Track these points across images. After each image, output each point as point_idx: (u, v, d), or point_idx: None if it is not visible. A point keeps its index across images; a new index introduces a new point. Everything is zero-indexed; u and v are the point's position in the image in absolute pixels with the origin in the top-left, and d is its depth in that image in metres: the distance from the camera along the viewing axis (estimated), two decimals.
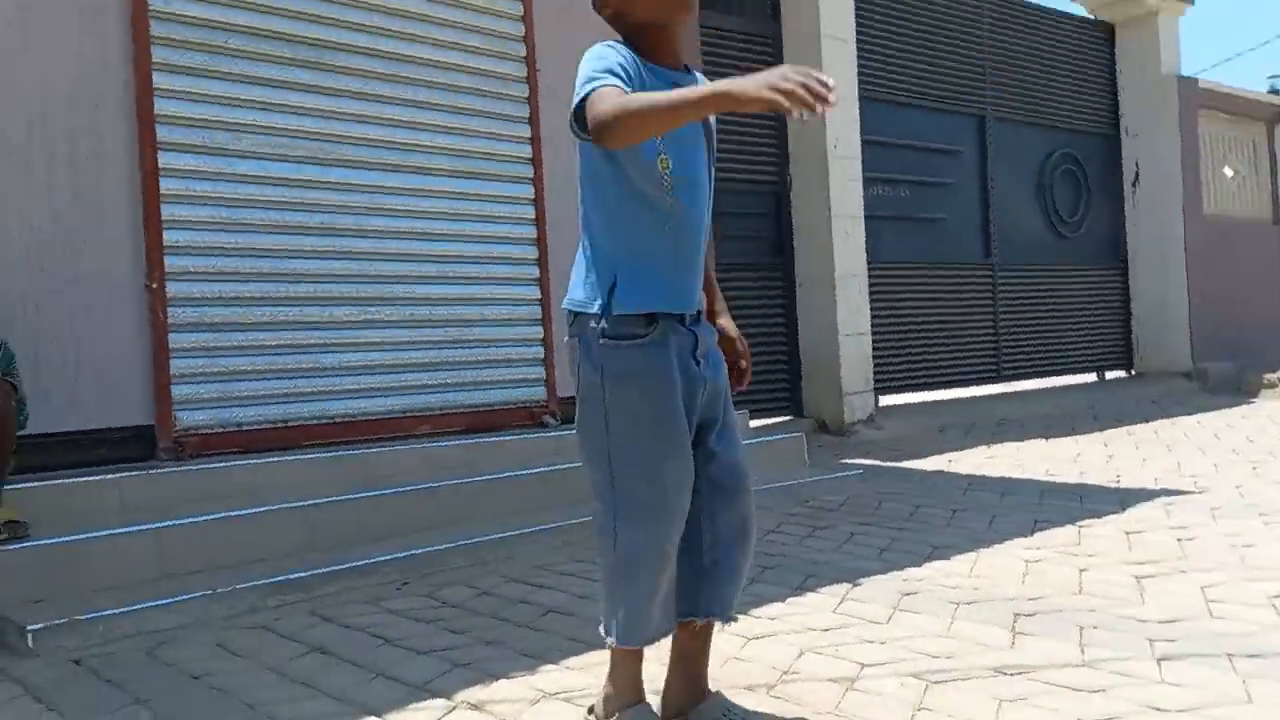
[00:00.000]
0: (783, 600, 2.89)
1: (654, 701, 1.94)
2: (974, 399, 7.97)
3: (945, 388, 7.96)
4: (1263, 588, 2.81)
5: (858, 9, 7.05)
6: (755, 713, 1.99)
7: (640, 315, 1.82)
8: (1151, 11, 9.31)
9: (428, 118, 4.59)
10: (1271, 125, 10.92)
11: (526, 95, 4.95)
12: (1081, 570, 3.09)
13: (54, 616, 2.71)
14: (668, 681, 1.97)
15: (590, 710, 1.97)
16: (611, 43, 1.83)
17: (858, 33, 7.03)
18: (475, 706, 2.19)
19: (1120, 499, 4.22)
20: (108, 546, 3.06)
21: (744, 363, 2.05)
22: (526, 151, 4.95)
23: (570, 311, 1.89)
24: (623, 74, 1.74)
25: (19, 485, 3.14)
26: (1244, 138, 10.68)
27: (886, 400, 7.36)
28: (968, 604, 2.78)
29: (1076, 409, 7.82)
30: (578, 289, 1.89)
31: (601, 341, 1.83)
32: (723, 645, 2.39)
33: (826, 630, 2.60)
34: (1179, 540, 3.44)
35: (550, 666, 2.42)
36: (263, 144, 4.08)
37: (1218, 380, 8.99)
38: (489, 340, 4.79)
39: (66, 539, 3.01)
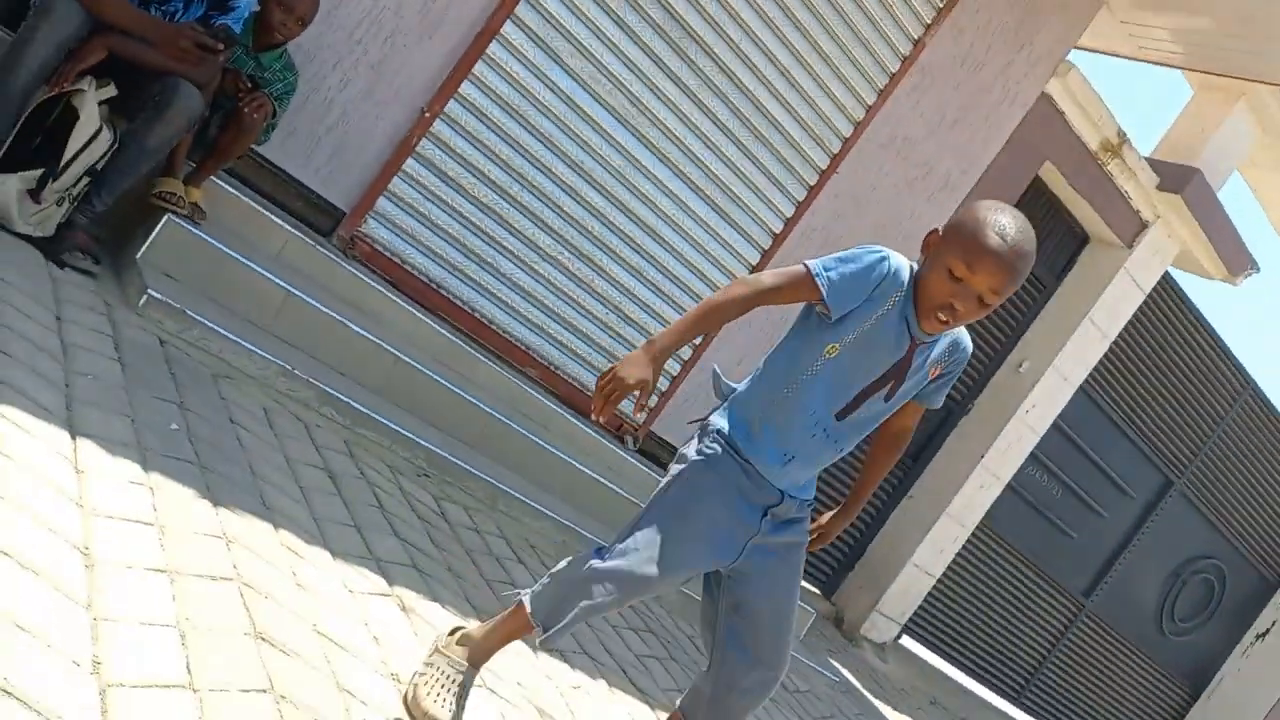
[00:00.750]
0: None
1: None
2: (983, 702, 7.72)
3: (969, 673, 7.74)
4: None
5: (1135, 318, 6.96)
6: None
7: (738, 441, 2.03)
8: None
9: (725, 147, 4.80)
10: None
11: (811, 184, 5.10)
12: None
13: (172, 297, 3.00)
14: None
15: (454, 631, 2.12)
16: (896, 257, 1.96)
17: (1121, 333, 6.93)
18: (402, 608, 2.35)
19: None
20: (248, 276, 3.34)
21: (817, 547, 2.22)
22: (778, 225, 5.10)
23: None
24: (845, 277, 1.93)
25: (219, 181, 3.48)
26: None
27: (908, 641, 7.22)
28: None
29: None
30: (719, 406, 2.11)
31: (712, 434, 2.03)
32: (613, 716, 2.48)
33: None
34: None
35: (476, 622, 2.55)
36: (589, 75, 4.36)
37: None
38: (634, 341, 4.97)
39: (224, 248, 3.31)
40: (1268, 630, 9.06)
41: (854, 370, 1.97)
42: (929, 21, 5.06)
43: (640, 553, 1.97)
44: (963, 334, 2.09)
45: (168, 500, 2.05)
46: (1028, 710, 8.16)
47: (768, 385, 2.02)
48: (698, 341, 5.07)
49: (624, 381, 1.86)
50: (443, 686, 1.98)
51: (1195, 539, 8.48)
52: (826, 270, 1.92)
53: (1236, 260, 6.87)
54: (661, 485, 2.05)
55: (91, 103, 2.86)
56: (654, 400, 1.86)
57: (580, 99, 4.39)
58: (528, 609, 2.03)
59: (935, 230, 1.97)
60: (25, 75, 2.74)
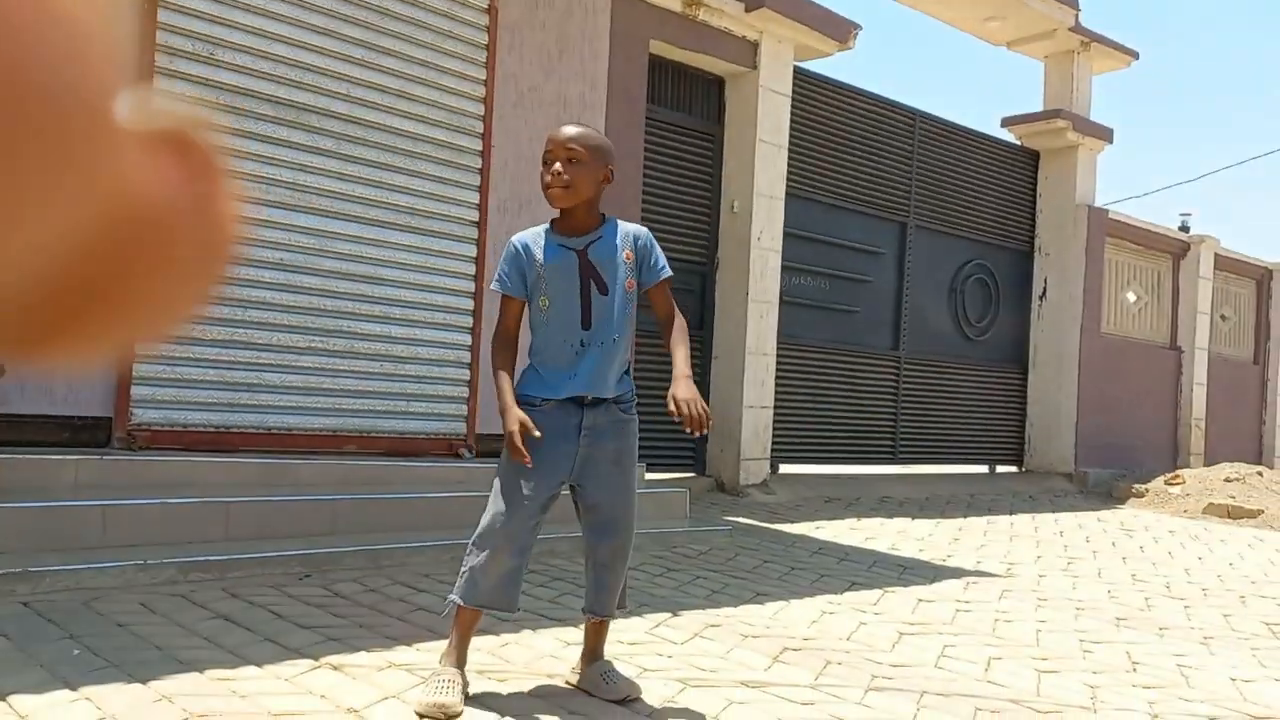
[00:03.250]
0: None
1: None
2: (868, 477, 8.70)
3: (843, 463, 8.69)
4: (990, 651, 3.52)
5: (793, 118, 7.88)
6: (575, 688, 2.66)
7: (534, 397, 2.68)
8: (1072, 145, 10.25)
9: (388, 178, 5.27)
10: (1177, 259, 11.89)
11: (479, 167, 5.65)
12: (860, 624, 3.78)
13: (11, 565, 3.31)
14: (581, 654, 2.83)
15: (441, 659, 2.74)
16: (519, 235, 2.77)
17: (791, 139, 7.84)
18: (335, 668, 2.83)
19: (934, 574, 4.93)
20: (63, 514, 3.67)
21: (687, 410, 2.61)
22: (474, 215, 5.64)
23: None
24: (508, 274, 2.72)
25: None
26: (1150, 267, 11.63)
27: (787, 468, 8.07)
28: (754, 638, 3.45)
29: (957, 496, 8.58)
30: None
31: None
32: (545, 647, 3.05)
33: (633, 644, 3.26)
34: (956, 611, 4.14)
35: (404, 648, 3.06)
36: (239, 188, 4.73)
37: (1094, 484, 9.80)
38: (420, 376, 5.44)
39: (29, 504, 3.61)
40: (1044, 290, 10.43)
41: (564, 292, 2.67)
42: None
43: (492, 506, 2.67)
44: (635, 226, 2.82)
45: (109, 702, 2.46)
46: (907, 462, 9.22)
47: (534, 343, 2.74)
48: (469, 344, 5.59)
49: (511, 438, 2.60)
50: (441, 685, 2.57)
51: (950, 254, 9.68)
52: (500, 283, 2.73)
53: (839, 29, 7.85)
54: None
55: None
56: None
57: (246, 211, 4.76)
58: (453, 597, 2.66)
59: None
60: None
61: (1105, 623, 4.16)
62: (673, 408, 2.67)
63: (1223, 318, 12.68)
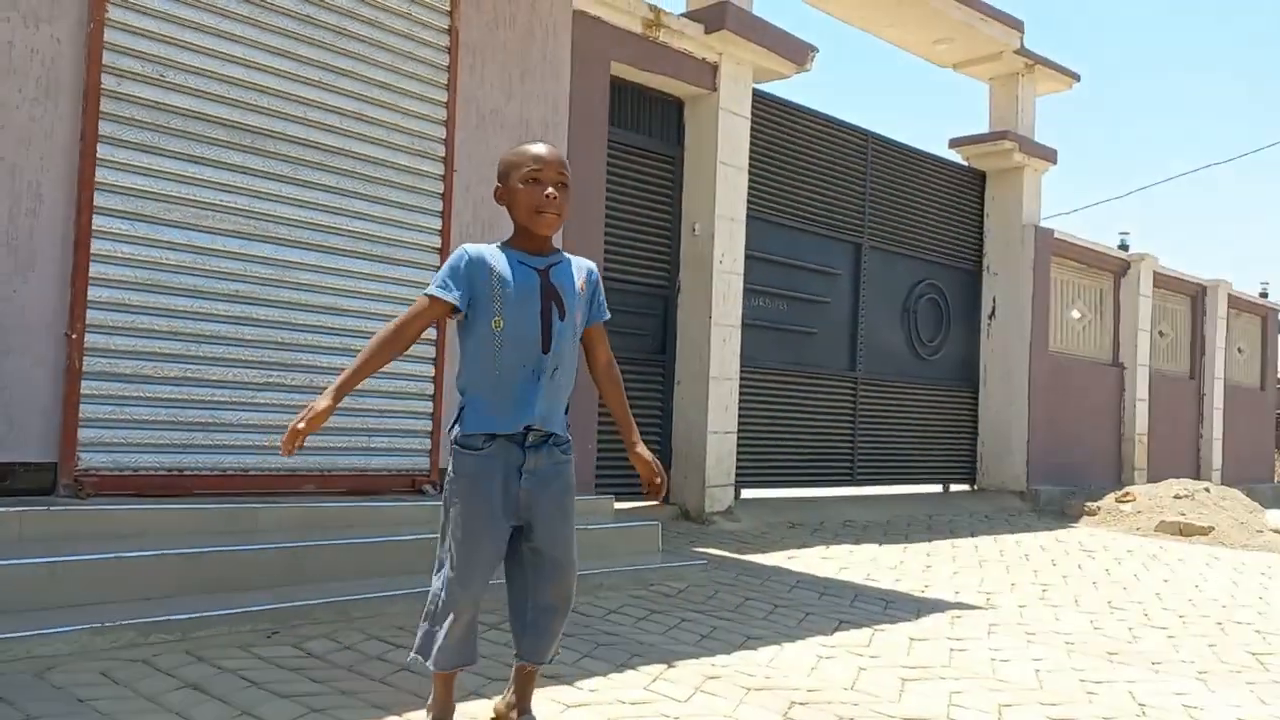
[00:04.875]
0: (605, 675, 3.38)
1: None
2: (827, 499, 8.65)
3: (803, 486, 8.64)
4: (998, 698, 3.42)
5: (753, 140, 7.81)
6: None
7: (478, 434, 2.49)
8: (1018, 166, 10.38)
9: (347, 204, 5.04)
10: (1118, 276, 12.12)
11: (441, 191, 5.45)
12: (860, 669, 3.66)
13: None
14: (502, 699, 2.72)
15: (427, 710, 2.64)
16: (472, 245, 2.55)
17: (750, 160, 7.77)
18: None
19: (918, 608, 4.85)
20: (6, 574, 3.37)
21: (657, 480, 2.70)
22: (436, 242, 5.43)
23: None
24: (452, 281, 2.51)
25: None
26: (1093, 285, 11.84)
27: (748, 493, 7.97)
28: (756, 690, 3.31)
29: (916, 518, 8.57)
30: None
31: (454, 448, 2.53)
32: (547, 711, 2.86)
33: (635, 704, 3.10)
34: (950, 651, 4.05)
35: (394, 718, 2.85)
36: (190, 216, 4.48)
37: (1046, 502, 9.90)
38: (380, 410, 5.21)
39: None
40: (993, 308, 10.52)
41: (522, 314, 2.49)
42: (448, 9, 5.44)
43: (448, 566, 2.51)
44: (586, 260, 2.70)
45: None
46: (865, 483, 9.19)
47: (479, 372, 2.52)
48: (431, 374, 5.38)
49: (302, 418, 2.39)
50: None
51: (902, 275, 9.71)
52: (439, 286, 2.50)
53: (797, 52, 7.81)
54: (447, 485, 2.55)
55: None
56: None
57: (198, 240, 4.51)
58: (426, 664, 2.54)
59: (497, 185, 2.60)
60: None
61: (1098, 659, 4.11)
62: (645, 471, 2.64)
63: (1160, 334, 12.96)
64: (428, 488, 5.36)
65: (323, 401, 2.40)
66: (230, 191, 4.61)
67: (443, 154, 5.47)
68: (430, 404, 5.41)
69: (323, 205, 4.94)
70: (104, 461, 4.22)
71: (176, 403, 4.45)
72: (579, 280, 2.60)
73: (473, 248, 2.55)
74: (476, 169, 5.59)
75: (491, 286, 2.48)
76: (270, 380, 4.76)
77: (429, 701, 2.66)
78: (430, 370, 5.41)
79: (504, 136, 5.74)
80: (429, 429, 5.40)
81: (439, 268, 5.49)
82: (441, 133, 5.46)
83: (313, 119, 4.90)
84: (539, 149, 2.57)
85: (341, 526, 4.60)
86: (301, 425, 2.38)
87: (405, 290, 5.26)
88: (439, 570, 2.53)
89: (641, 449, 2.69)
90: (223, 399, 4.60)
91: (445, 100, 5.46)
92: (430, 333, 5.41)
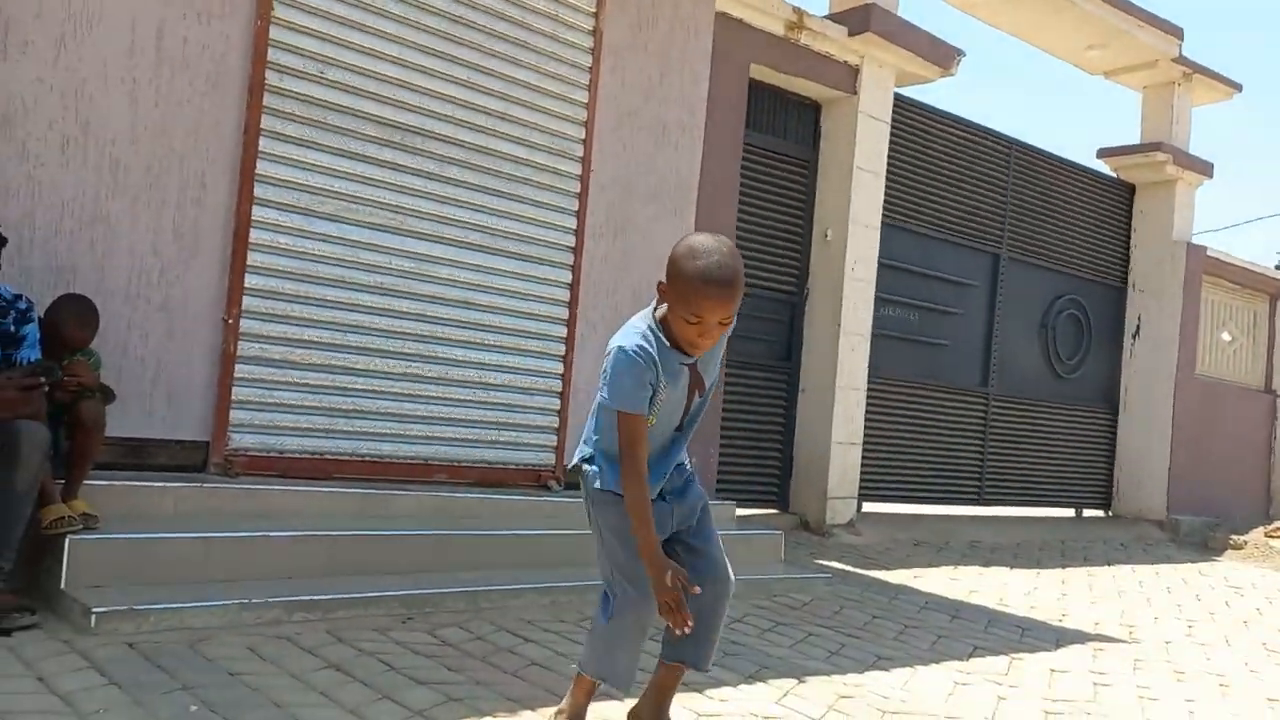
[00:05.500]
0: (735, 686, 3.32)
1: None
2: (953, 518, 8.39)
3: (928, 503, 8.40)
4: None
5: (891, 145, 7.63)
6: None
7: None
8: (1170, 179, 9.88)
9: (487, 202, 5.11)
10: (1275, 299, 11.42)
11: (578, 192, 5.48)
12: (999, 699, 3.51)
13: (115, 603, 3.17)
14: (640, 701, 2.63)
15: (557, 713, 2.64)
16: (642, 340, 2.39)
17: (888, 167, 7.59)
18: None
19: (1057, 638, 4.64)
20: (164, 547, 3.53)
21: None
22: (570, 241, 5.47)
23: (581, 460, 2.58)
24: (637, 392, 2.36)
25: (91, 482, 3.62)
26: (1246, 307, 11.19)
27: (870, 507, 7.79)
28: (893, 713, 3.21)
29: (1048, 542, 8.23)
30: (587, 449, 2.56)
31: (600, 493, 2.53)
32: (681, 718, 2.83)
33: (767, 718, 3.04)
34: (1095, 685, 3.86)
35: (529, 713, 2.86)
36: (342, 209, 4.61)
37: (1187, 533, 9.38)
38: (511, 405, 5.27)
39: (129, 535, 3.48)
40: (1138, 327, 10.05)
41: (672, 405, 2.49)
42: (593, 10, 5.47)
43: (629, 586, 2.47)
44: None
45: None
46: (993, 504, 8.88)
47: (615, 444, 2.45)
48: (560, 372, 5.42)
49: (670, 591, 2.33)
50: None
51: (1042, 288, 9.35)
52: (639, 402, 2.37)
53: (942, 56, 7.60)
54: (610, 527, 2.51)
55: None
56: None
57: (348, 233, 4.64)
58: (586, 674, 2.54)
59: (661, 282, 2.39)
60: None
61: (1257, 704, 3.85)
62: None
63: None
64: (552, 483, 5.40)
65: (664, 565, 2.35)
66: (378, 186, 4.73)
67: (581, 154, 5.50)
68: (558, 400, 5.44)
69: (464, 202, 5.02)
70: (252, 442, 4.37)
71: (321, 389, 4.58)
72: (720, 351, 2.58)
73: (640, 346, 2.37)
74: (611, 170, 5.61)
75: (657, 391, 2.42)
76: (408, 371, 4.86)
77: (563, 703, 2.64)
78: (559, 367, 5.44)
79: (640, 138, 5.75)
80: (555, 425, 5.43)
81: (571, 265, 5.62)
82: (581, 133, 5.49)
83: (460, 118, 4.99)
84: (715, 286, 2.28)
85: (471, 517, 4.67)
86: (675, 600, 2.32)
87: (536, 286, 5.30)
88: (616, 599, 2.50)
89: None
90: (363, 387, 4.72)
91: (586, 101, 5.49)
92: (559, 330, 5.45)
